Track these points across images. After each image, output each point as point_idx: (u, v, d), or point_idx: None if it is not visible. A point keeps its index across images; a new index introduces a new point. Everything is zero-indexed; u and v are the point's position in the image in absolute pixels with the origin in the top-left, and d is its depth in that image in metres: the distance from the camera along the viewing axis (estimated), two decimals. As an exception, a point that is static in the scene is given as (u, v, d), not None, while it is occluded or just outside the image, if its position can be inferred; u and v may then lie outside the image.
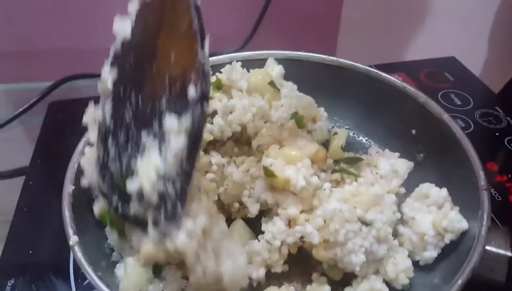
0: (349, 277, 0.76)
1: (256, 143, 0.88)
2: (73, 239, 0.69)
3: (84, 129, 0.82)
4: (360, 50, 1.29)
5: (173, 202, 0.62)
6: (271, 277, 0.78)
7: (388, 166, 0.87)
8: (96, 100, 0.68)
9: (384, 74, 1.01)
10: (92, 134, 0.69)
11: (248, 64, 1.01)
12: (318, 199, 0.78)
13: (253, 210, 0.82)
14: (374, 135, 1.06)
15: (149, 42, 0.66)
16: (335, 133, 1.02)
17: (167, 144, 0.61)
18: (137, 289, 0.70)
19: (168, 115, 0.61)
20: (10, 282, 0.84)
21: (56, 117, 1.23)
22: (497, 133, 1.20)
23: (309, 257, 0.78)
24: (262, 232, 0.79)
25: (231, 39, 1.33)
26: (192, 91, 0.61)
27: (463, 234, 0.75)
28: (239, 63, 0.99)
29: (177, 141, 0.61)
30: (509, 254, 0.69)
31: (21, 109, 1.20)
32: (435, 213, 0.79)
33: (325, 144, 1.00)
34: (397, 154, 0.91)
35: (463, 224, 0.75)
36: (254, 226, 0.83)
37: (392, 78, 0.99)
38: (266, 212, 0.84)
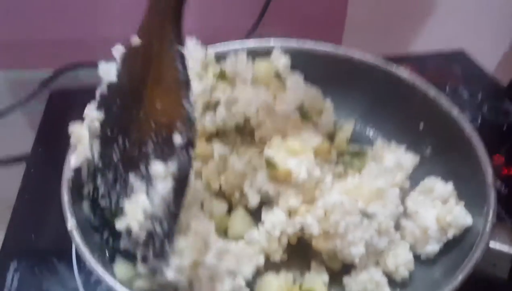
0: (348, 267, 0.77)
1: (259, 135, 0.88)
2: (71, 223, 0.70)
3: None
4: (366, 41, 1.28)
5: (160, 240, 0.65)
6: (270, 265, 0.78)
7: (393, 159, 0.87)
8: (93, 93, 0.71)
9: (394, 66, 1.00)
10: (77, 156, 0.75)
11: (253, 55, 1.00)
12: (320, 191, 0.78)
13: (253, 201, 0.83)
14: (381, 129, 1.05)
15: (135, 88, 0.69)
16: (341, 125, 1.02)
17: (154, 188, 0.65)
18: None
19: (154, 161, 0.65)
20: (13, 266, 0.85)
21: (58, 105, 1.25)
22: (505, 127, 1.19)
23: (308, 246, 0.79)
24: (263, 222, 0.79)
25: (234, 30, 1.33)
26: (178, 139, 0.64)
27: (467, 229, 0.75)
28: (244, 54, 0.99)
29: (163, 186, 0.64)
30: (512, 251, 0.69)
31: (22, 98, 1.22)
32: (440, 208, 0.78)
33: (331, 136, 1.00)
34: (403, 147, 0.91)
35: (468, 220, 0.74)
36: (255, 215, 0.84)
37: (402, 70, 0.99)
38: (267, 201, 0.85)
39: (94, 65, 0.73)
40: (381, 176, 0.81)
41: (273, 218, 0.78)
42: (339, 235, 0.73)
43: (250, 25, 1.40)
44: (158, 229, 0.64)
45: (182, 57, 0.67)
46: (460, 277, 0.64)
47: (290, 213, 0.79)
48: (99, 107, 0.72)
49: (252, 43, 1.06)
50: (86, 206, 0.75)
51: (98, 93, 0.73)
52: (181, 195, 0.65)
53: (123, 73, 0.70)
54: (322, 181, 0.79)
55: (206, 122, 0.89)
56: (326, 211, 0.74)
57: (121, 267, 0.70)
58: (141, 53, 0.69)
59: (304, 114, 0.91)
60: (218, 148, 0.88)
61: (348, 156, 0.90)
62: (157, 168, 0.64)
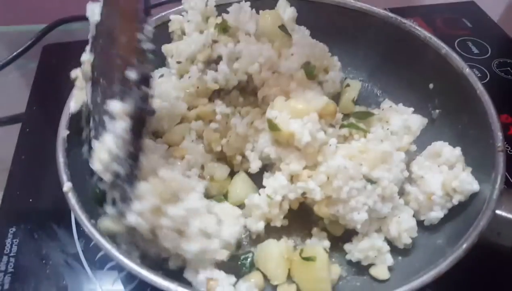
0: (350, 233, 0.77)
1: (262, 94, 0.86)
2: (66, 185, 0.70)
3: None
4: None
5: (124, 184, 0.65)
6: (271, 230, 0.79)
7: (400, 121, 0.85)
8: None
9: (404, 20, 0.95)
10: (75, 100, 0.76)
11: (258, 6, 0.95)
12: (323, 155, 0.77)
13: (255, 166, 0.82)
14: (389, 88, 1.02)
15: (111, 25, 0.67)
16: (347, 85, 1.00)
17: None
18: None
19: (112, 100, 0.63)
20: (11, 230, 0.86)
21: (51, 61, 1.22)
22: None
23: (310, 212, 0.79)
24: (264, 187, 0.79)
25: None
26: (132, 75, 0.62)
27: (473, 196, 0.74)
28: (248, 3, 0.95)
29: (119, 125, 0.63)
30: (519, 219, 0.68)
31: (15, 53, 1.19)
32: (446, 173, 0.77)
33: (337, 96, 0.98)
34: (411, 109, 0.89)
35: (474, 186, 0.73)
36: (257, 179, 0.83)
37: (413, 25, 0.94)
38: (269, 166, 0.84)
39: (87, 19, 0.71)
40: (387, 139, 0.80)
41: (275, 183, 0.77)
42: (342, 200, 0.72)
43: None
44: (121, 170, 0.65)
45: None
46: (464, 245, 0.64)
47: (292, 178, 0.78)
48: (91, 49, 0.71)
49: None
50: (85, 149, 0.74)
51: (89, 36, 0.72)
52: (138, 135, 0.65)
53: (104, 13, 0.69)
54: (325, 144, 0.78)
55: (208, 80, 0.86)
56: (329, 175, 0.73)
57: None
58: None
59: (310, 73, 0.87)
60: (220, 107, 0.87)
61: (354, 117, 0.88)
62: (114, 106, 0.63)
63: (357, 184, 0.72)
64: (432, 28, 1.31)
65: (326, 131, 0.80)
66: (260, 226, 0.77)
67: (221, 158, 0.88)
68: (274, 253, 0.73)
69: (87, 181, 0.72)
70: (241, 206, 0.82)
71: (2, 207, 0.90)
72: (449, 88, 0.89)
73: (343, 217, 0.74)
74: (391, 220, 0.76)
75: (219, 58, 0.87)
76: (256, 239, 0.80)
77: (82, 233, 0.84)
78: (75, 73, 0.76)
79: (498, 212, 0.68)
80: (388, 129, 0.84)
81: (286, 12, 0.98)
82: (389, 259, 0.74)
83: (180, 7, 0.98)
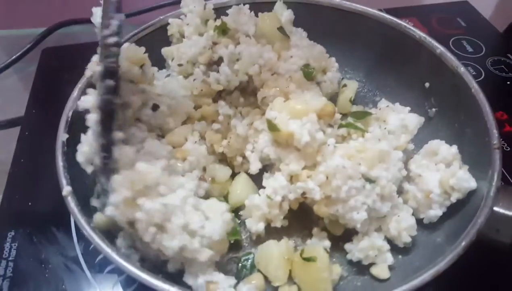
0: (350, 233, 0.77)
1: (261, 95, 0.86)
2: (66, 189, 0.70)
3: (78, 76, 0.83)
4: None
5: (100, 176, 0.68)
6: (271, 231, 0.79)
7: (398, 120, 0.86)
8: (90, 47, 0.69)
9: (400, 21, 0.96)
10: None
11: (255, 8, 0.97)
12: (321, 155, 0.77)
13: (254, 167, 0.82)
14: (385, 88, 1.03)
15: None
16: (344, 85, 1.00)
17: None
18: None
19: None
20: (10, 234, 0.85)
21: (50, 64, 1.22)
22: (508, 82, 1.18)
23: (310, 212, 0.79)
24: (264, 187, 0.79)
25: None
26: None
27: (471, 193, 0.74)
28: (247, 5, 0.96)
29: (91, 117, 0.68)
30: (517, 215, 0.68)
31: (14, 56, 1.19)
32: (443, 171, 0.78)
33: (335, 96, 0.98)
34: (407, 108, 0.89)
35: (472, 183, 0.74)
36: (258, 180, 0.84)
37: (408, 26, 0.95)
38: (268, 167, 0.84)
39: (86, 22, 0.72)
40: (384, 138, 0.80)
41: (274, 183, 0.77)
42: (341, 199, 0.73)
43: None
44: (97, 162, 0.68)
45: None
46: (463, 243, 0.64)
47: (292, 178, 0.78)
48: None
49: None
50: None
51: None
52: (109, 127, 0.67)
53: None
54: (324, 144, 0.78)
55: (211, 81, 0.87)
56: (327, 175, 0.73)
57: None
58: None
59: (308, 74, 0.88)
60: (223, 108, 0.87)
61: (352, 117, 0.89)
62: (86, 99, 0.67)
63: (356, 183, 0.72)
64: (427, 28, 1.32)
65: (325, 132, 0.81)
66: (260, 226, 0.78)
67: (223, 159, 0.88)
68: (275, 254, 0.73)
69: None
70: (242, 207, 0.82)
71: (1, 210, 0.89)
72: (445, 87, 0.89)
73: (342, 217, 0.74)
74: (391, 219, 0.76)
75: (220, 60, 0.88)
76: (257, 240, 0.80)
77: (81, 236, 0.83)
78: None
79: (496, 209, 0.68)
80: (385, 128, 0.85)
81: (284, 14, 0.99)
82: (389, 258, 0.74)
83: (178, 10, 0.99)
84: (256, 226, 0.78)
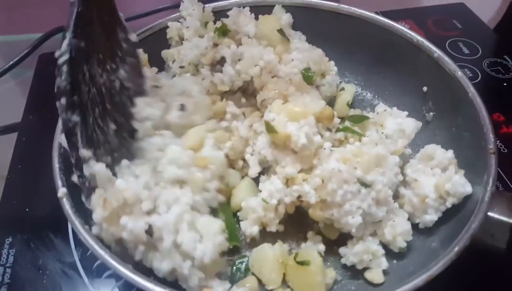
0: (345, 237, 0.78)
1: (261, 97, 0.88)
2: (61, 191, 0.71)
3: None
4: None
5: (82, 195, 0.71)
6: (266, 234, 0.81)
7: (395, 125, 0.87)
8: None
9: (396, 24, 0.98)
10: None
11: (255, 11, 0.99)
12: (318, 158, 0.79)
13: (254, 171, 0.84)
14: (383, 92, 1.05)
15: None
16: (342, 89, 1.02)
17: None
18: None
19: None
20: (8, 240, 0.87)
21: (47, 70, 1.22)
22: (505, 83, 1.19)
23: (305, 216, 0.80)
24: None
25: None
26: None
27: (466, 198, 0.76)
28: (247, 8, 0.98)
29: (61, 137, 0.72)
30: (511, 221, 0.69)
31: (11, 62, 1.21)
32: (439, 176, 0.79)
33: (333, 100, 1.00)
34: (405, 113, 0.90)
35: (467, 188, 0.75)
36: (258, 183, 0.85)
37: (406, 29, 0.97)
38: (266, 169, 0.86)
39: None
40: (381, 143, 0.81)
41: (270, 187, 0.78)
42: (336, 203, 0.74)
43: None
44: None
45: None
46: (456, 248, 0.65)
47: (287, 182, 0.79)
48: None
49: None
50: None
51: None
52: (72, 145, 0.70)
53: None
54: (321, 147, 0.79)
55: (216, 82, 0.90)
56: (323, 178, 0.74)
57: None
58: None
59: (309, 78, 0.90)
60: (231, 107, 0.90)
61: (349, 121, 0.90)
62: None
63: (352, 188, 0.73)
64: (423, 30, 1.34)
65: (323, 135, 0.82)
66: (254, 230, 0.79)
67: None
68: (269, 257, 0.74)
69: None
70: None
71: (-1, 218, 0.91)
72: (442, 91, 0.91)
73: (338, 221, 0.75)
74: (386, 223, 0.77)
75: (222, 60, 0.90)
76: (251, 243, 0.81)
77: (79, 242, 0.85)
78: None
79: (490, 214, 0.69)
80: (382, 133, 0.86)
81: (282, 18, 1.01)
82: (384, 263, 0.75)
83: (177, 14, 1.01)
84: (250, 229, 0.79)
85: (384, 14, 1.02)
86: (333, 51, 1.02)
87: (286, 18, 1.02)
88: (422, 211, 0.78)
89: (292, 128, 0.78)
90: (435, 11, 1.43)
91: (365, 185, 0.74)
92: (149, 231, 0.67)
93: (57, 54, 0.69)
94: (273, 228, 0.80)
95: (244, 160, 0.88)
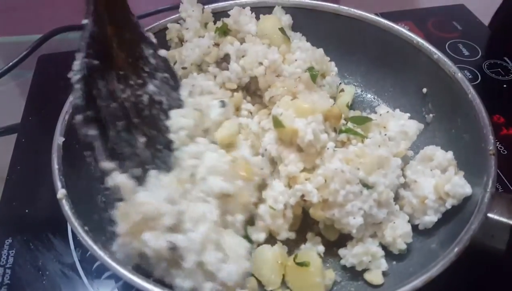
0: (345, 238, 0.79)
1: (269, 94, 0.89)
2: (61, 192, 0.72)
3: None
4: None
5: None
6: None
7: (398, 127, 0.87)
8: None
9: (396, 26, 0.99)
10: None
11: (254, 13, 1.00)
12: (321, 158, 0.79)
13: None
14: (383, 93, 1.06)
15: None
16: (342, 90, 1.02)
17: None
18: None
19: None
20: (7, 241, 0.87)
21: (46, 71, 1.25)
22: (505, 85, 1.20)
23: (305, 217, 0.81)
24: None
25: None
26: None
27: (466, 199, 0.76)
28: (248, 8, 0.99)
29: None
30: (511, 222, 0.70)
31: (10, 63, 1.21)
32: (439, 177, 0.79)
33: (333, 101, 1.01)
34: (407, 115, 0.90)
35: (467, 189, 0.76)
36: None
37: (405, 31, 0.98)
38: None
39: (82, 29, 0.74)
40: (384, 145, 0.82)
41: (273, 193, 0.79)
42: (338, 204, 0.74)
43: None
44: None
45: None
46: (456, 249, 0.66)
47: (289, 183, 0.80)
48: None
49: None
50: None
51: None
52: (94, 159, 0.70)
53: None
54: (325, 146, 0.80)
55: (224, 80, 0.91)
56: (326, 178, 0.75)
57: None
58: None
59: (313, 77, 0.91)
60: (246, 105, 0.91)
61: (352, 122, 0.90)
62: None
63: (354, 188, 0.74)
64: (423, 32, 1.35)
65: (329, 135, 0.82)
66: (261, 236, 0.79)
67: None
68: (268, 259, 0.75)
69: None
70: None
71: (-2, 219, 0.92)
72: (442, 93, 0.92)
73: (338, 221, 0.76)
74: (386, 225, 0.78)
75: (225, 57, 0.92)
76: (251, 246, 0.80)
77: (78, 243, 0.85)
78: None
79: (490, 215, 0.70)
80: (385, 135, 0.86)
81: (282, 19, 1.02)
82: (383, 264, 0.76)
83: (177, 15, 1.02)
84: (257, 235, 0.79)
85: (384, 15, 1.03)
86: (333, 52, 1.03)
87: (285, 20, 1.03)
88: (422, 212, 0.79)
89: (300, 124, 0.78)
90: (435, 13, 1.44)
91: (367, 186, 0.75)
92: (173, 249, 0.66)
93: (70, 75, 0.70)
94: (283, 235, 0.79)
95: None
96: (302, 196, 0.77)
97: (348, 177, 0.74)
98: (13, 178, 0.99)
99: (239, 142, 0.86)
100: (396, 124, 0.88)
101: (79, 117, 0.70)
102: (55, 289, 0.81)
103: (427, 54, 0.93)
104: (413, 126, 0.88)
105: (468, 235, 0.67)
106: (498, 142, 1.02)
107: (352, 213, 0.74)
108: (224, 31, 0.96)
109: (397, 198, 0.82)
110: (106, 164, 0.71)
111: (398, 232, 0.77)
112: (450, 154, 0.81)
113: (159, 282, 0.67)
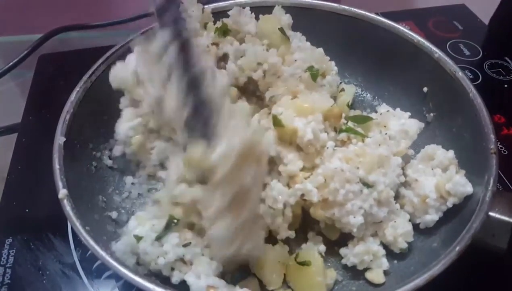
0: (346, 238, 0.79)
1: (270, 94, 0.89)
2: (62, 192, 0.72)
3: (75, 82, 0.86)
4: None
5: (203, 119, 0.66)
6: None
7: (398, 126, 0.87)
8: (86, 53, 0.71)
9: (397, 25, 0.99)
10: None
11: (254, 12, 1.00)
12: (321, 157, 0.79)
13: None
14: (383, 93, 1.05)
15: None
16: (342, 89, 1.02)
17: None
18: None
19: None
20: (8, 241, 0.87)
21: (47, 70, 1.25)
22: (505, 85, 1.20)
23: (305, 216, 0.81)
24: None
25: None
26: None
27: (467, 198, 0.76)
28: (248, 8, 0.99)
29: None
30: (512, 220, 0.70)
31: (11, 63, 1.21)
32: (440, 176, 0.79)
33: (333, 100, 1.00)
34: (408, 114, 0.90)
35: (468, 188, 0.76)
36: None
37: (406, 30, 0.97)
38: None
39: (84, 29, 0.73)
40: (384, 144, 0.82)
41: (273, 193, 0.78)
42: (338, 203, 0.74)
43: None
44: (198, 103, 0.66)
45: None
46: (457, 248, 0.66)
47: (289, 183, 0.79)
48: None
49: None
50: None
51: None
52: (187, 60, 0.66)
53: None
54: (325, 145, 0.80)
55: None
56: (326, 177, 0.75)
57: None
58: None
59: (314, 76, 0.91)
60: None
61: (352, 122, 0.90)
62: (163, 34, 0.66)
63: (354, 187, 0.74)
64: (423, 31, 1.35)
65: (329, 134, 0.83)
66: (260, 235, 0.78)
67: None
68: (270, 258, 0.75)
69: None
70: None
71: (-1, 219, 0.92)
72: (443, 92, 0.92)
73: (339, 220, 0.76)
74: (387, 224, 0.78)
75: (224, 57, 0.92)
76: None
77: (78, 242, 0.85)
78: None
79: (491, 214, 0.70)
80: (386, 134, 0.86)
81: (282, 18, 1.02)
82: (384, 263, 0.76)
83: (176, 16, 1.02)
84: None
85: (385, 15, 1.03)
86: (333, 52, 1.03)
87: (285, 20, 1.03)
88: (423, 211, 0.79)
89: (299, 123, 0.79)
90: (436, 12, 1.44)
91: (367, 185, 0.75)
92: None
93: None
94: (283, 234, 0.79)
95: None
96: (302, 195, 0.77)
97: (348, 176, 0.74)
98: (14, 177, 0.98)
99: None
100: (396, 123, 0.88)
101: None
102: (55, 289, 0.80)
103: (428, 53, 0.93)
104: (414, 125, 0.88)
105: (470, 233, 0.67)
106: (498, 143, 1.02)
107: (353, 212, 0.74)
108: (224, 32, 0.95)
109: (397, 197, 0.82)
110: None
111: (399, 231, 0.77)
112: (451, 153, 0.81)
113: (159, 281, 0.67)
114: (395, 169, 0.79)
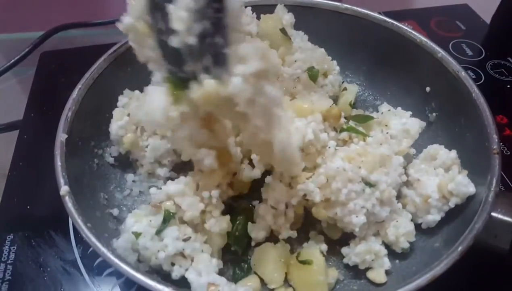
0: (347, 237, 0.79)
1: None
2: (63, 189, 0.72)
3: (76, 79, 0.85)
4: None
5: (216, 44, 0.60)
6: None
7: (400, 125, 0.88)
8: (87, 50, 0.70)
9: (400, 24, 0.98)
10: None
11: (256, 11, 0.99)
12: (322, 157, 0.79)
13: (258, 170, 0.83)
14: (386, 92, 1.05)
15: None
16: (344, 88, 1.02)
17: None
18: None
19: None
20: (9, 237, 0.87)
21: (48, 68, 1.25)
22: (508, 86, 1.20)
23: (307, 215, 0.81)
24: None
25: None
26: None
27: (470, 198, 0.76)
28: (249, 7, 0.98)
29: None
30: (515, 221, 0.70)
31: (12, 60, 1.21)
32: (442, 176, 0.79)
33: (335, 100, 1.00)
34: (409, 113, 0.91)
35: (470, 188, 0.75)
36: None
37: (409, 29, 0.97)
38: (270, 171, 0.85)
39: (85, 26, 0.73)
40: (386, 143, 0.82)
41: (274, 193, 0.78)
42: (340, 202, 0.74)
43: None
44: (209, 27, 0.59)
45: None
46: (459, 248, 0.66)
47: (291, 183, 0.79)
48: None
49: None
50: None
51: None
52: None
53: None
54: (326, 145, 0.80)
55: None
56: (328, 177, 0.75)
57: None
58: None
59: (313, 76, 0.91)
60: None
61: (353, 121, 0.90)
62: None
63: (356, 187, 0.73)
64: (426, 31, 1.35)
65: (329, 134, 0.83)
66: (261, 234, 0.79)
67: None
68: (271, 257, 0.75)
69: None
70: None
71: (0, 214, 0.91)
72: (446, 92, 0.91)
73: (341, 220, 0.76)
74: (389, 224, 0.78)
75: None
76: (253, 244, 0.81)
77: (80, 239, 0.85)
78: None
79: (493, 214, 0.70)
80: (387, 133, 0.86)
81: (284, 18, 1.02)
82: (386, 263, 0.76)
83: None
84: (257, 233, 0.79)
85: (387, 14, 1.03)
86: (336, 51, 1.03)
87: (288, 19, 1.02)
88: (425, 211, 0.79)
89: (299, 123, 0.78)
90: (438, 12, 1.44)
91: (369, 184, 0.75)
92: None
93: None
94: (284, 234, 0.79)
95: (250, 160, 0.88)
96: (304, 195, 0.77)
97: (350, 175, 0.73)
98: (15, 174, 0.98)
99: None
100: (398, 122, 0.88)
101: None
102: (56, 286, 0.80)
103: (431, 52, 0.93)
104: (415, 124, 0.88)
105: (472, 234, 0.67)
106: (501, 143, 1.02)
107: (355, 211, 0.74)
108: None
109: (400, 197, 0.82)
110: None
111: (401, 230, 0.77)
112: (453, 153, 0.81)
113: (160, 278, 0.66)
114: (397, 168, 0.79)
